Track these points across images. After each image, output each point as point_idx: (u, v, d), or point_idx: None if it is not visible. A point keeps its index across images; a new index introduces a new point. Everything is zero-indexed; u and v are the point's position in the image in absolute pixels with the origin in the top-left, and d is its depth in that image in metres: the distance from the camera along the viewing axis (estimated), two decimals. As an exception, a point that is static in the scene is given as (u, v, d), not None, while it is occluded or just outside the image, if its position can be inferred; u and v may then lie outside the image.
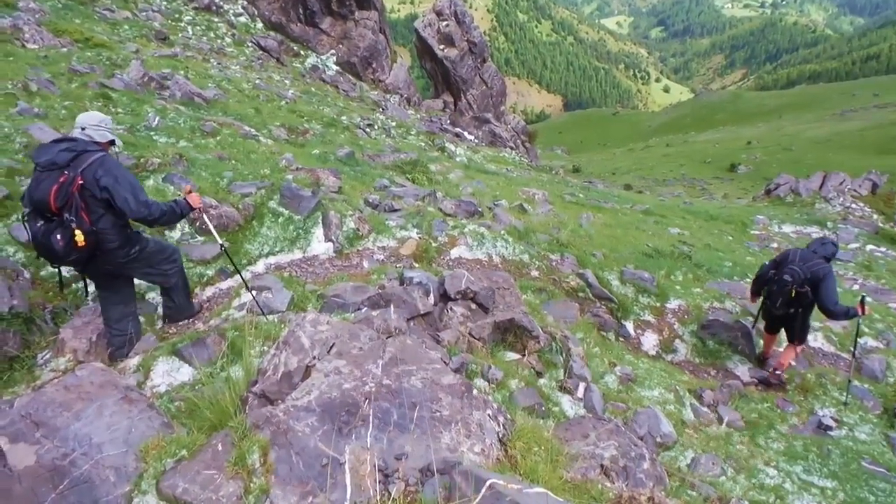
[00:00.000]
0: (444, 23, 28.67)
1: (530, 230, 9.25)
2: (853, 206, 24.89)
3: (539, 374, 5.70)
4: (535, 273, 8.08)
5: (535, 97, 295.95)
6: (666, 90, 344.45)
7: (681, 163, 67.86)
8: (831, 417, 6.99)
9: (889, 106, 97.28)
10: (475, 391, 2.88)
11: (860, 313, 7.00)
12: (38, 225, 4.00)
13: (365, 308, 5.51)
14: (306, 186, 8.13)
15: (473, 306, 6.10)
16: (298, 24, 26.62)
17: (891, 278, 14.53)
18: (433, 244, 7.91)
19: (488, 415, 2.78)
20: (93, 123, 4.28)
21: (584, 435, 3.89)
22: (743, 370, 7.75)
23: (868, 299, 7.67)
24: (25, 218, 4.08)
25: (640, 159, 74.52)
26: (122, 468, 2.43)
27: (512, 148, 28.29)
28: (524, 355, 5.88)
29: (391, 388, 2.79)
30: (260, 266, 6.85)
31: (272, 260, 7.01)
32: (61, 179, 3.93)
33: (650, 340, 7.91)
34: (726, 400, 6.77)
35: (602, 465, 3.57)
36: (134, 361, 4.45)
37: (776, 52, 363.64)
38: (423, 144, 18.52)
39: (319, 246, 7.41)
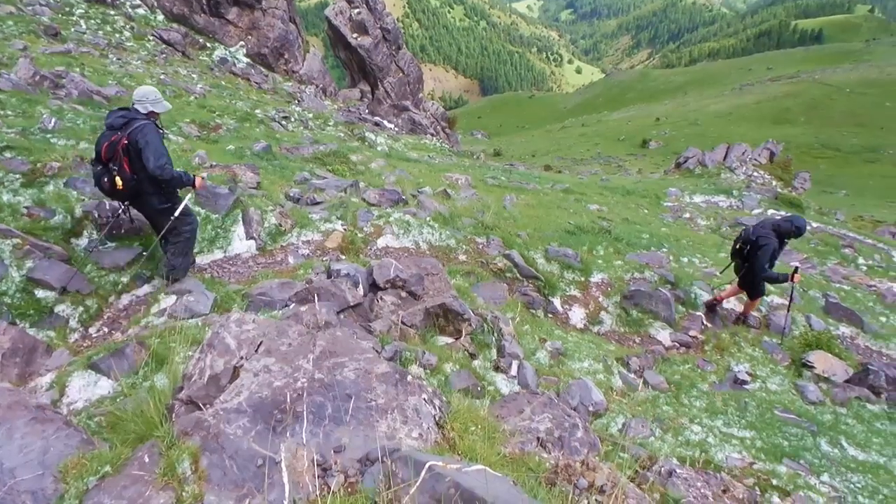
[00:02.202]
0: (356, 10, 28.18)
1: (455, 215, 9.31)
2: (755, 174, 26.52)
3: (473, 356, 5.78)
4: (462, 257, 8.15)
5: (452, 83, 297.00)
6: (578, 71, 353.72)
7: (596, 141, 70.05)
8: (746, 372, 7.47)
9: (781, 79, 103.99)
10: (409, 377, 2.88)
11: (791, 280, 7.96)
12: (98, 168, 5.35)
13: (293, 304, 5.40)
14: (223, 184, 7.85)
15: (404, 294, 6.09)
16: (203, 15, 25.49)
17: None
18: (359, 235, 7.83)
19: (424, 399, 2.79)
20: (137, 98, 5.46)
21: (520, 410, 3.99)
22: (664, 335, 8.14)
23: (800, 267, 8.60)
24: (91, 162, 5.48)
25: (557, 140, 76.37)
26: (40, 491, 2.28)
27: (432, 134, 28.29)
28: (457, 338, 5.93)
29: (324, 381, 2.75)
30: (179, 269, 6.57)
31: (191, 262, 6.73)
32: (113, 139, 5.24)
33: (577, 314, 8.16)
34: (651, 365, 7.09)
35: (538, 438, 3.67)
36: (46, 379, 4.17)
37: (678, 31, 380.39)
38: (342, 135, 18.19)
39: (241, 244, 7.18)
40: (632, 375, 6.77)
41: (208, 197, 7.35)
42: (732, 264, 8.69)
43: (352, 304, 5.55)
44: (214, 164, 9.27)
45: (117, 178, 5.24)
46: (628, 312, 8.29)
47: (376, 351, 3.11)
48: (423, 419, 2.69)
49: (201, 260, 6.78)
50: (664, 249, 11.03)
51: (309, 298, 5.43)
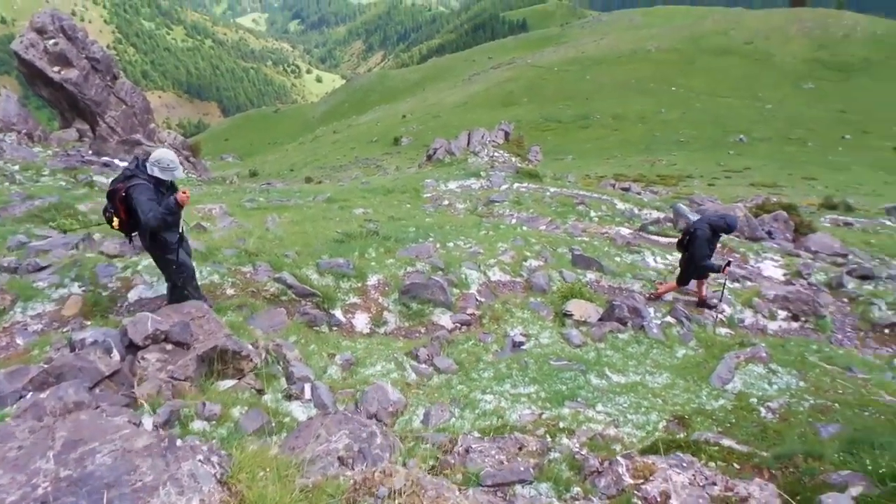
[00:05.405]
0: (52, 41, 24.64)
1: (214, 248, 8.71)
2: (496, 154, 29.13)
3: (261, 392, 5.48)
4: (230, 291, 7.66)
5: (187, 108, 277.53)
6: (319, 80, 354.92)
7: (351, 146, 71.10)
8: (521, 334, 8.18)
9: (501, 66, 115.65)
10: (179, 442, 2.60)
11: (723, 272, 9.24)
12: (107, 203, 6.24)
13: (30, 393, 4.57)
14: None
15: (169, 347, 5.53)
16: None
17: (537, 206, 17.47)
18: (103, 293, 6.92)
19: (200, 461, 2.54)
20: (150, 161, 6.18)
21: (316, 435, 3.86)
22: (446, 319, 8.55)
23: (732, 262, 10.20)
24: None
25: (313, 150, 75.92)
26: None
27: (176, 166, 26.04)
28: (240, 378, 5.57)
29: (73, 477, 2.35)
30: None
31: None
32: (118, 186, 6.06)
33: (361, 320, 8.18)
34: (438, 351, 7.39)
35: (339, 457, 3.59)
36: None
37: (405, 32, 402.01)
38: (64, 183, 15.81)
39: (-54, 338, 5.89)
40: (423, 365, 6.99)
41: None
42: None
43: (107, 373, 4.87)
44: None
45: (114, 220, 6.14)
46: (409, 306, 8.54)
47: (134, 424, 2.75)
48: (203, 482, 2.45)
49: None
50: (431, 239, 11.57)
51: (50, 381, 4.64)
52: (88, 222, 10.15)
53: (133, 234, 6.42)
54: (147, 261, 7.75)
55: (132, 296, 7.04)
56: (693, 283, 9.98)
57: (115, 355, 5.19)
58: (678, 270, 10.02)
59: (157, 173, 6.12)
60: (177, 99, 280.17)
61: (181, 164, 6.66)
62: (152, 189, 6.05)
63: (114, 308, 6.81)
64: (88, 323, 6.32)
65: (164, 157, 6.18)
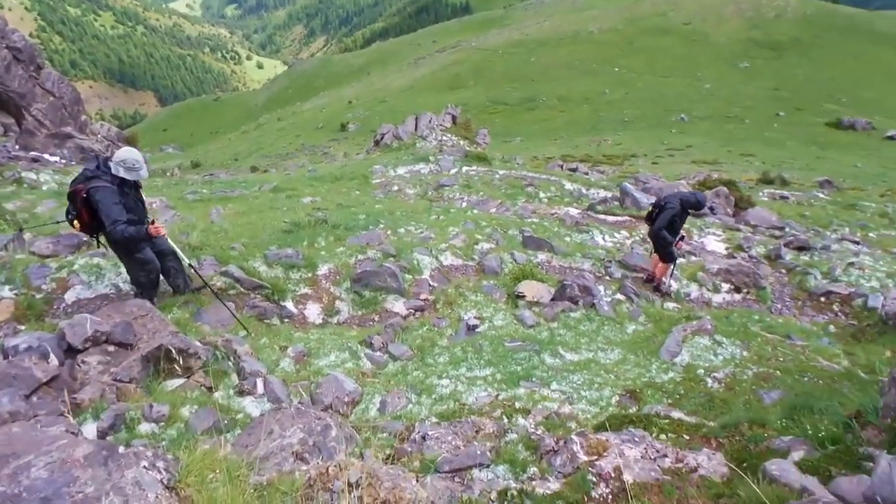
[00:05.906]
0: (-32, 30, 23.16)
1: (156, 243, 8.39)
2: (444, 138, 29.02)
3: (211, 389, 5.33)
4: (174, 287, 7.41)
5: (121, 98, 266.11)
6: (260, 66, 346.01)
7: (297, 133, 69.65)
8: (475, 317, 8.20)
9: (446, 49, 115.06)
10: (121, 449, 2.48)
11: (676, 246, 9.45)
12: (68, 205, 6.10)
13: (-41, 405, 4.31)
14: None
15: (112, 348, 5.32)
16: None
17: (486, 189, 17.51)
18: (37, 296, 6.58)
19: (145, 467, 2.44)
20: (114, 160, 6.02)
21: (269, 431, 3.78)
22: (399, 305, 8.50)
23: (684, 237, 10.34)
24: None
25: (257, 139, 74.03)
26: None
27: (112, 159, 24.89)
28: (189, 377, 5.40)
29: (6, 494, 2.22)
30: None
31: None
32: (78, 187, 5.91)
33: (313, 311, 8.05)
34: (392, 338, 7.35)
35: (294, 453, 3.53)
36: None
37: (347, 15, 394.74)
38: (-11, 181, 14.99)
39: None
40: (378, 353, 6.94)
41: None
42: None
43: (44, 380, 4.63)
44: None
45: (76, 222, 6.04)
46: (361, 294, 8.45)
47: (72, 433, 2.61)
48: (149, 489, 2.35)
49: None
50: (381, 225, 11.45)
51: (-19, 392, 4.39)
52: (18, 221, 9.62)
53: (97, 235, 6.32)
54: (83, 259, 7.42)
55: (69, 297, 6.72)
56: (649, 260, 10.24)
57: (53, 360, 4.95)
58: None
59: (122, 173, 6.00)
60: (109, 89, 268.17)
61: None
62: (116, 191, 5.94)
63: (50, 311, 6.49)
64: (22, 328, 6.00)
65: (129, 157, 6.05)
